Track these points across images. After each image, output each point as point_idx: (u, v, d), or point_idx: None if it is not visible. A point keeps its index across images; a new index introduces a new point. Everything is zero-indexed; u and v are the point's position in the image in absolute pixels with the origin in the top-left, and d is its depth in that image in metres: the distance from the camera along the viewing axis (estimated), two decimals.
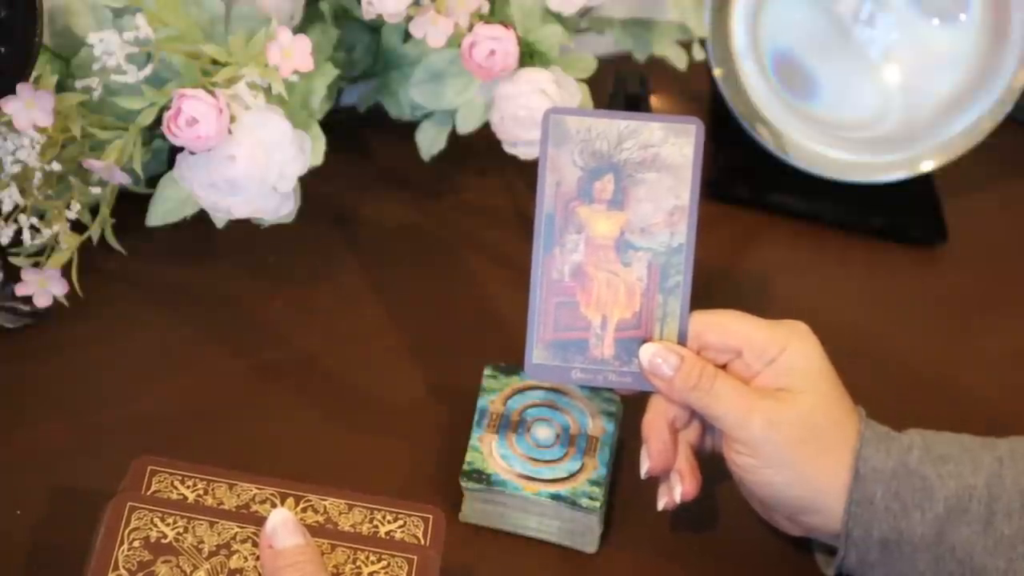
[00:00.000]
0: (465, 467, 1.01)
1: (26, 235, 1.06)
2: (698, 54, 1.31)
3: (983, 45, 1.29)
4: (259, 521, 0.87)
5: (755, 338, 0.96)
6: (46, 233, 1.06)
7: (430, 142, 1.21)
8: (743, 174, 1.34)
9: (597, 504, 1.00)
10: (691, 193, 0.97)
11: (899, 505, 0.93)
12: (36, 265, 1.07)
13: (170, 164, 1.06)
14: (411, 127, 1.21)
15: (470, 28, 1.09)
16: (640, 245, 0.98)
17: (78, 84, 1.05)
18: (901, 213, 1.33)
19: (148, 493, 0.90)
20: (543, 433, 1.03)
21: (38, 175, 1.04)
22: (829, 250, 1.31)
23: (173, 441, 1.05)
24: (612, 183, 0.97)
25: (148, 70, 1.02)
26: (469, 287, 1.21)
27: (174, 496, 0.90)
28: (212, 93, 0.99)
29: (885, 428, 0.97)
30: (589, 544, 1.02)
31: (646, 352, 0.97)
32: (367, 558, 0.89)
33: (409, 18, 1.08)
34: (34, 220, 1.06)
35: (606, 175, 0.97)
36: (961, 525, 0.93)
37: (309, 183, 1.07)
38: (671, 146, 0.97)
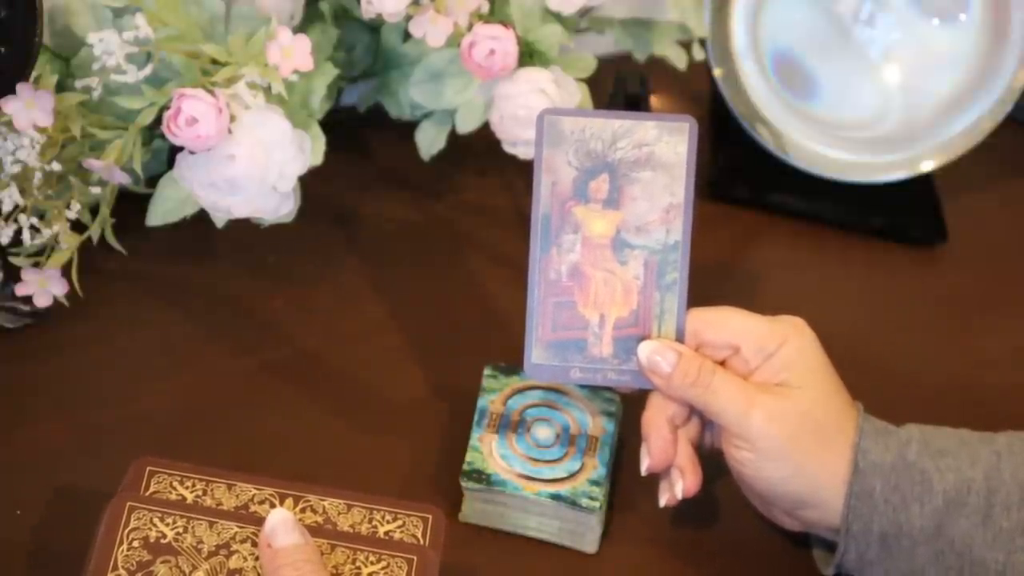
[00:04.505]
0: (465, 467, 1.01)
1: (26, 235, 1.06)
2: (698, 54, 1.31)
3: (983, 45, 1.30)
4: (258, 521, 0.87)
5: (752, 333, 0.97)
6: (46, 233, 1.06)
7: (430, 142, 1.21)
8: (743, 174, 1.34)
9: (597, 504, 1.00)
10: (686, 191, 0.98)
11: (898, 498, 0.94)
12: (36, 265, 1.08)
13: (170, 164, 1.07)
14: (411, 127, 1.22)
15: (469, 28, 1.09)
16: (636, 243, 0.98)
17: (78, 84, 1.05)
18: (901, 213, 1.33)
19: (147, 494, 0.90)
20: (543, 433, 1.03)
21: (38, 175, 1.05)
22: (829, 250, 1.31)
23: (173, 441, 1.06)
24: (607, 182, 0.97)
25: (148, 70, 1.02)
26: (469, 287, 1.21)
27: (173, 497, 0.90)
28: (212, 93, 1.00)
29: (883, 422, 0.97)
30: (589, 544, 1.02)
31: (644, 350, 0.97)
32: (366, 558, 0.89)
33: (408, 17, 1.08)
34: (34, 220, 1.06)
35: (601, 174, 0.97)
36: (960, 518, 0.93)
37: (309, 183, 1.07)
38: (665, 144, 0.97)
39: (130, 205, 1.11)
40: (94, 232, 1.09)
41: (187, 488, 0.91)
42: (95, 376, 1.10)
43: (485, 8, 1.10)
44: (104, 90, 1.05)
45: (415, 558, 0.89)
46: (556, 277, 0.98)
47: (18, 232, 1.06)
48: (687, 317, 0.98)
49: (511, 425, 1.04)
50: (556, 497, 1.00)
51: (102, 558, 0.86)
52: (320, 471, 0.99)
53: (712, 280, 1.18)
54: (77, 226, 1.08)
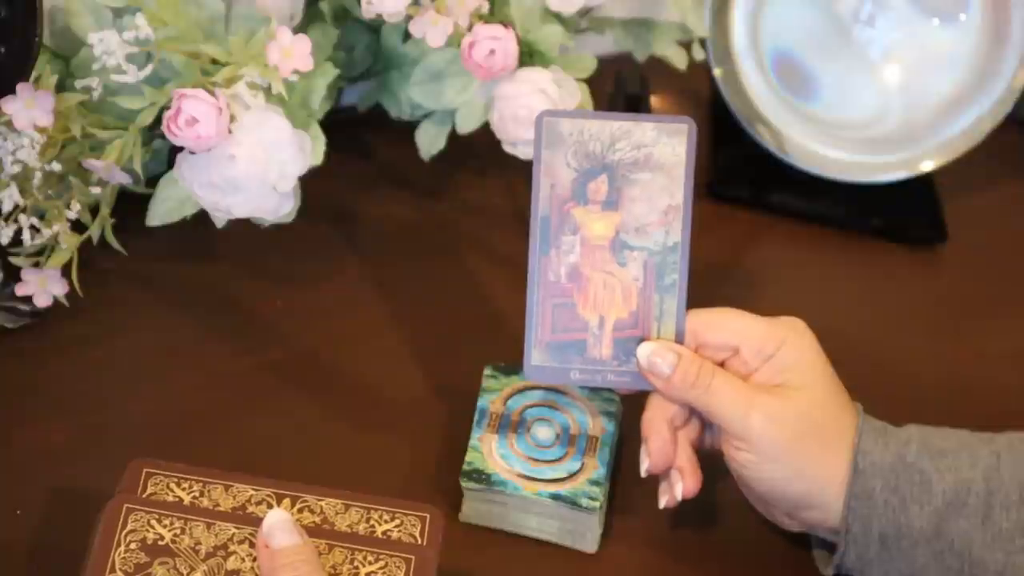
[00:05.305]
0: (465, 467, 1.01)
1: (26, 235, 1.06)
2: (698, 54, 1.31)
3: (983, 45, 1.29)
4: (256, 522, 0.87)
5: (752, 335, 0.97)
6: (46, 233, 1.06)
7: (430, 142, 1.21)
8: (743, 174, 1.34)
9: (597, 504, 1.00)
10: (685, 192, 0.98)
11: (898, 499, 0.94)
12: (36, 265, 1.08)
13: (170, 164, 1.07)
14: (411, 127, 1.21)
15: (470, 28, 1.09)
16: (635, 245, 0.98)
17: (78, 84, 1.05)
18: (901, 213, 1.33)
19: (144, 495, 0.90)
20: (543, 433, 1.03)
21: (38, 175, 1.05)
22: (829, 250, 1.31)
23: (173, 441, 1.06)
24: (606, 184, 0.97)
25: (148, 70, 1.02)
26: (469, 287, 1.21)
27: (170, 498, 0.90)
28: (212, 93, 1.00)
29: (882, 423, 0.97)
30: (589, 544, 1.02)
31: (644, 351, 0.97)
32: (364, 558, 0.89)
33: (409, 18, 1.08)
34: (34, 220, 1.06)
35: (600, 176, 0.97)
36: (960, 519, 0.93)
37: (309, 183, 1.07)
38: (664, 146, 0.97)
39: (130, 205, 1.11)
40: (94, 232, 1.09)
41: (184, 489, 0.91)
42: (95, 376, 1.10)
43: (485, 8, 1.10)
44: (104, 90, 1.05)
45: (413, 558, 0.89)
46: (555, 279, 0.98)
47: (18, 232, 1.06)
48: (686, 318, 0.98)
49: (511, 425, 1.04)
50: (556, 497, 1.00)
51: (99, 560, 0.86)
52: (320, 471, 0.99)
53: (712, 281, 1.18)
54: (77, 226, 1.08)
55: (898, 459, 0.94)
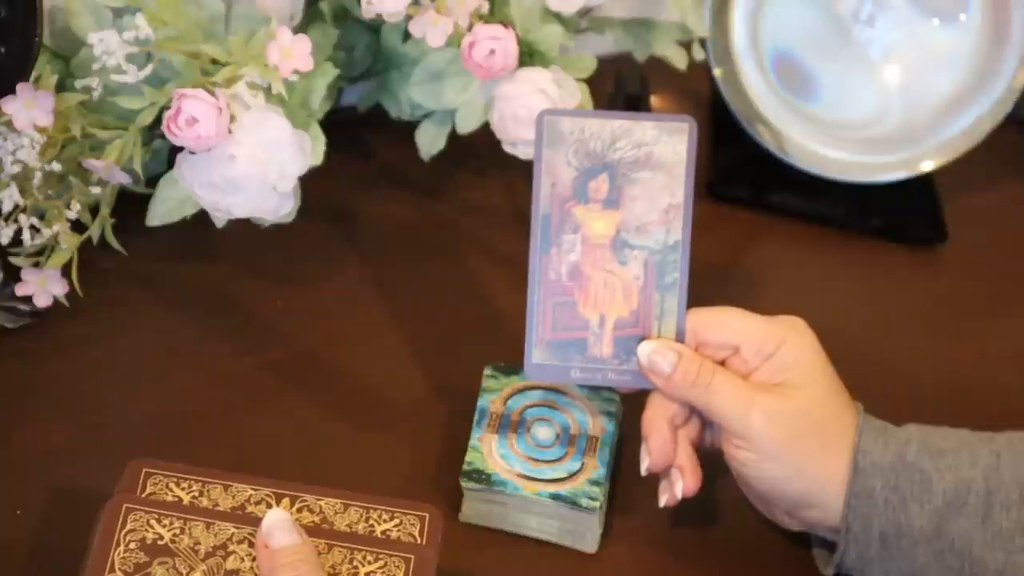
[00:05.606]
0: (465, 467, 1.01)
1: (26, 235, 1.06)
2: (698, 54, 1.31)
3: (983, 45, 1.29)
4: (255, 522, 0.87)
5: (752, 333, 0.97)
6: (46, 233, 1.06)
7: (430, 142, 1.21)
8: (743, 174, 1.34)
9: (597, 504, 1.00)
10: (685, 191, 0.98)
11: (898, 498, 0.94)
12: (36, 265, 1.08)
13: (170, 164, 1.07)
14: (411, 127, 1.21)
15: (470, 28, 1.09)
16: (636, 244, 0.98)
17: (78, 84, 1.05)
18: (901, 213, 1.33)
19: (143, 495, 0.90)
20: (543, 433, 1.03)
21: (38, 175, 1.05)
22: (829, 250, 1.31)
23: (173, 441, 1.06)
24: (607, 183, 0.97)
25: (148, 70, 1.02)
26: (469, 287, 1.21)
27: (169, 498, 0.90)
28: (212, 93, 1.00)
29: (883, 422, 0.97)
30: (589, 544, 1.02)
31: (644, 350, 0.97)
32: (364, 558, 0.89)
33: (408, 18, 1.08)
34: (34, 220, 1.06)
35: (600, 175, 0.97)
36: (960, 518, 0.93)
37: (309, 183, 1.07)
38: (664, 145, 0.97)
39: (130, 205, 1.11)
40: (94, 232, 1.09)
41: (183, 489, 0.91)
42: (95, 376, 1.10)
43: (485, 8, 1.10)
44: (104, 90, 1.05)
45: (412, 557, 0.89)
46: (556, 277, 0.98)
47: (18, 232, 1.06)
48: (687, 317, 0.98)
49: (511, 425, 1.04)
50: (556, 497, 1.00)
51: (99, 560, 0.86)
52: (320, 472, 0.99)
53: (712, 280, 1.17)
54: (77, 226, 1.08)
55: (898, 458, 0.94)
